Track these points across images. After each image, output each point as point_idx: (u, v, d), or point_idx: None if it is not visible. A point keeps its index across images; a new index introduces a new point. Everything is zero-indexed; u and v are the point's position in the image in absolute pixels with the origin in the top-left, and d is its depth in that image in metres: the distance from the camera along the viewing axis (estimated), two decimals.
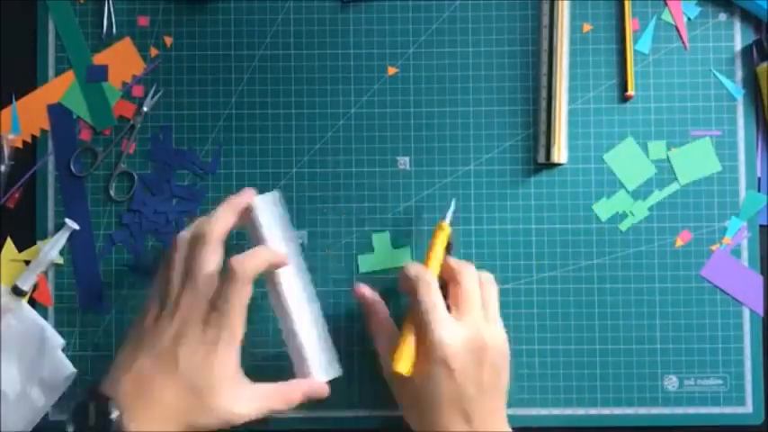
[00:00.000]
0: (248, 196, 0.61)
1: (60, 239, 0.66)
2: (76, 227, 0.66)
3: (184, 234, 0.58)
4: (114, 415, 0.52)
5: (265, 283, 0.62)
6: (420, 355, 0.57)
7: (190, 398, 0.54)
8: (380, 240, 0.67)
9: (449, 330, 0.56)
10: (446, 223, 0.63)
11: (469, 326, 0.57)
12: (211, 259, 0.56)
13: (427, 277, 0.59)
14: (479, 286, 0.60)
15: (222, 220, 0.58)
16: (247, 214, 0.60)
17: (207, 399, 0.55)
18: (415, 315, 0.58)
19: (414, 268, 0.59)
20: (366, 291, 0.63)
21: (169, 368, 0.54)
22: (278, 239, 0.61)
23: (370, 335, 0.63)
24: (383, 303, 0.63)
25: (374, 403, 0.66)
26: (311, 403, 0.60)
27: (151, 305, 0.57)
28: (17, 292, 0.65)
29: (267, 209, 0.62)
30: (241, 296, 0.55)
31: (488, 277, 0.62)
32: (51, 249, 0.66)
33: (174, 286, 0.57)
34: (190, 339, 0.55)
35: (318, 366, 0.62)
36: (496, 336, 0.59)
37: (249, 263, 0.56)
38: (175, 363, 0.54)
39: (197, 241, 0.57)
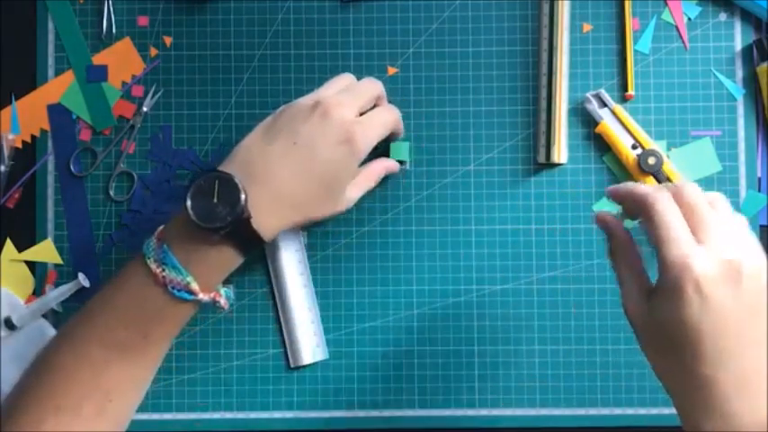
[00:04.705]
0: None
1: (67, 292, 0.66)
2: (87, 284, 0.67)
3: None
4: (243, 197, 0.53)
5: (270, 267, 0.66)
6: (662, 288, 0.46)
7: (318, 192, 0.57)
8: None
9: (698, 249, 0.45)
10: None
11: (719, 248, 0.46)
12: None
13: (665, 191, 0.48)
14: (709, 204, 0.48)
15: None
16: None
17: (335, 194, 0.58)
18: (651, 237, 0.48)
19: (640, 185, 0.50)
20: (608, 216, 0.53)
21: (303, 160, 0.56)
22: None
23: (611, 264, 0.53)
24: (625, 228, 0.52)
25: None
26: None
27: (300, 102, 0.59)
28: (9, 325, 0.65)
29: None
30: (383, 119, 0.61)
31: (716, 194, 0.50)
32: (56, 299, 0.66)
33: (330, 89, 0.61)
34: (330, 137, 0.56)
35: (308, 348, 0.66)
36: (755, 263, 0.46)
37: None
38: (312, 156, 0.56)
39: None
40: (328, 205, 0.58)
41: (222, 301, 0.56)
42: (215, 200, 0.53)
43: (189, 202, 0.53)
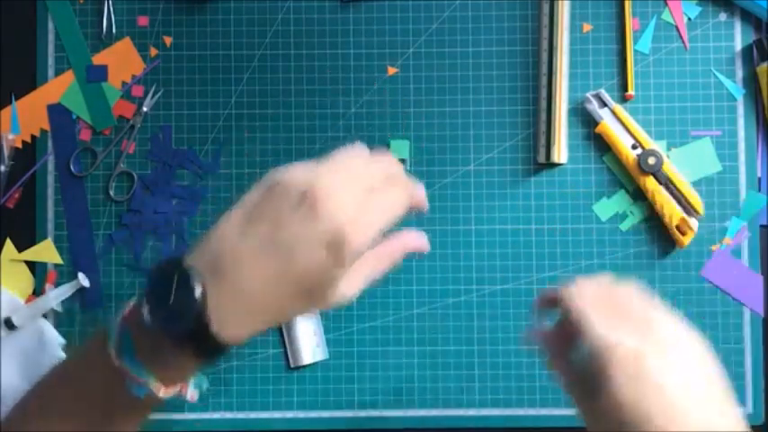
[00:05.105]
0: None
1: (67, 292, 0.66)
2: (87, 284, 0.67)
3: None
4: (197, 292, 0.44)
5: None
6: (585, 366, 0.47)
7: (293, 297, 0.47)
8: None
9: (615, 333, 0.46)
10: None
11: (630, 332, 0.47)
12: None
13: (574, 287, 0.50)
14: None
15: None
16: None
17: (315, 298, 0.48)
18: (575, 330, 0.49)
19: (553, 288, 0.52)
20: (539, 332, 0.53)
21: (279, 262, 0.46)
22: None
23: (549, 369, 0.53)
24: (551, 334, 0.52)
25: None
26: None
27: (292, 183, 0.47)
28: (9, 325, 0.65)
29: None
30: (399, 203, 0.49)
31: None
32: (56, 299, 0.66)
33: (333, 168, 0.48)
34: (313, 238, 0.46)
35: (308, 348, 0.66)
36: (676, 337, 0.47)
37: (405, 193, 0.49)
38: (289, 259, 0.46)
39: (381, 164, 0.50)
40: (308, 307, 0.49)
41: (189, 395, 0.49)
42: (171, 300, 0.45)
43: (145, 307, 0.45)
